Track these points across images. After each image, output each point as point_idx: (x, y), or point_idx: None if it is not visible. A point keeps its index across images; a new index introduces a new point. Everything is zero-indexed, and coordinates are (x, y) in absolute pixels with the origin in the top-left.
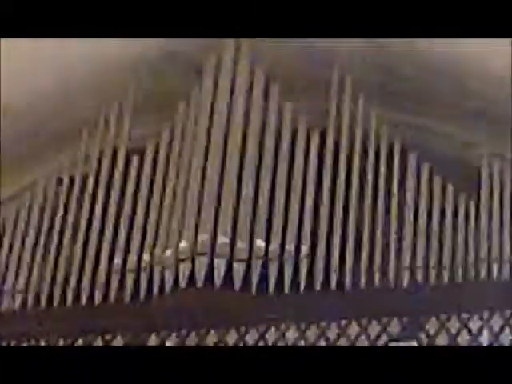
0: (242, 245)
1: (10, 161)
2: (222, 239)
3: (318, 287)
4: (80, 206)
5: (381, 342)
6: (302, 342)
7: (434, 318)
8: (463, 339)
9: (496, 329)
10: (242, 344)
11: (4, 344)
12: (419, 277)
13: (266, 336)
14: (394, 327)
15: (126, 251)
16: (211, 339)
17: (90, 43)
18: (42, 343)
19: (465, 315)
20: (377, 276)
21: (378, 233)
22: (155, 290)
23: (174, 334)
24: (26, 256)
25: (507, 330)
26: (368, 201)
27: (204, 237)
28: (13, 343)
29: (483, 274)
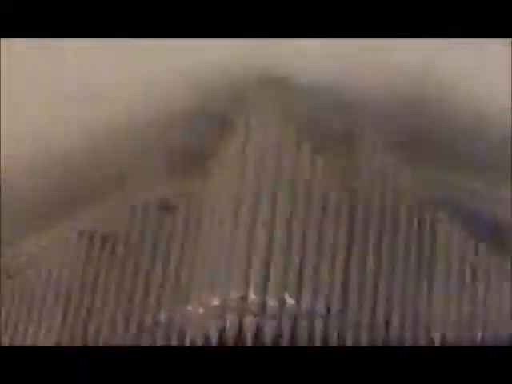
0: (272, 303)
1: (42, 213)
2: (253, 297)
3: (348, 344)
4: (111, 263)
5: None
6: None
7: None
8: None
9: None
10: None
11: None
12: (451, 336)
13: None
14: None
15: (158, 308)
16: None
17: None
18: None
19: None
20: (408, 335)
21: (409, 292)
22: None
23: None
24: (59, 313)
25: None
26: (400, 259)
27: (234, 294)
28: None
29: None
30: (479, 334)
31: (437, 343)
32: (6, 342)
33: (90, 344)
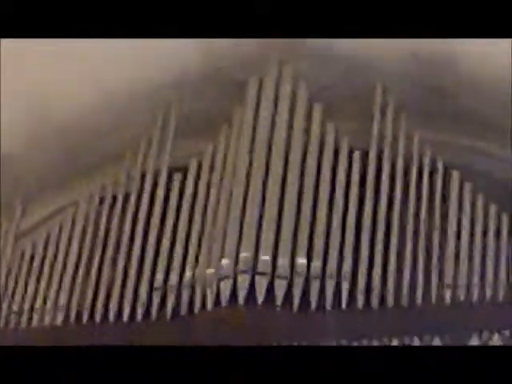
0: (283, 262)
1: (51, 180)
2: (264, 257)
3: (359, 305)
4: (121, 225)
5: None
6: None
7: (476, 337)
8: None
9: None
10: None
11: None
12: (461, 295)
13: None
14: (437, 344)
15: (168, 269)
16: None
17: (131, 65)
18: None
19: (507, 332)
20: (419, 294)
21: (420, 252)
22: (197, 308)
23: None
24: (68, 273)
25: None
26: (410, 221)
27: (246, 254)
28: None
29: None
30: (489, 293)
31: (447, 301)
32: (15, 305)
33: (100, 308)
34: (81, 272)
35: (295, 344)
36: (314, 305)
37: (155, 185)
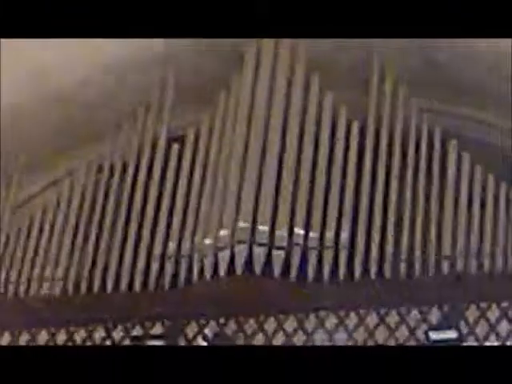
0: (281, 232)
1: (52, 147)
2: (262, 227)
3: (357, 275)
4: (120, 194)
5: (420, 331)
6: (341, 330)
7: (474, 307)
8: (503, 328)
9: None
10: (280, 332)
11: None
12: (459, 265)
13: (305, 323)
14: (434, 316)
15: (166, 239)
16: (250, 326)
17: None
18: (82, 329)
19: (505, 303)
20: (417, 264)
21: (418, 222)
22: (195, 277)
23: (212, 322)
24: (66, 243)
25: None
26: (408, 191)
27: (243, 225)
28: (52, 329)
29: None
30: (487, 263)
31: (445, 272)
32: (13, 274)
33: (98, 279)
34: (79, 242)
35: (291, 315)
36: (311, 275)
37: (153, 154)
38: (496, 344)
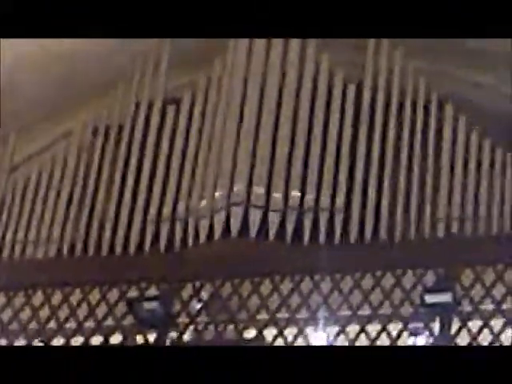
0: (277, 195)
1: (45, 110)
2: (257, 189)
3: (352, 238)
4: (115, 156)
5: (416, 293)
6: (336, 293)
7: (468, 270)
8: (498, 291)
9: None
10: (276, 294)
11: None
12: (454, 228)
13: (301, 286)
14: (429, 278)
15: (161, 201)
16: (245, 288)
17: None
18: (77, 292)
19: (500, 266)
20: (412, 227)
21: (414, 184)
22: (190, 239)
23: (208, 285)
24: (61, 206)
25: None
26: (404, 153)
27: (239, 187)
28: (48, 291)
29: None
30: (482, 227)
31: (440, 234)
32: (8, 237)
33: (93, 241)
34: (74, 204)
35: (286, 277)
36: (307, 238)
37: (148, 116)
38: (491, 307)
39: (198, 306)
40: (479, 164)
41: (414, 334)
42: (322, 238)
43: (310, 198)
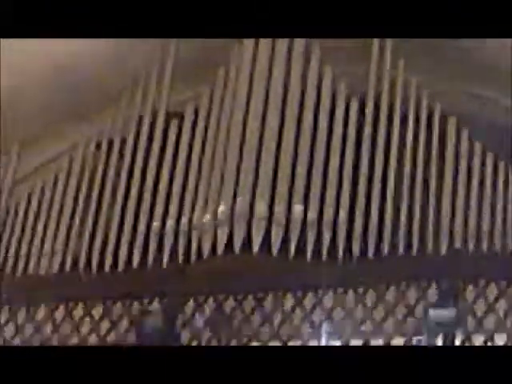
0: (279, 210)
1: (49, 124)
2: (260, 204)
3: (355, 253)
4: (118, 170)
5: (419, 308)
6: (340, 308)
7: (471, 285)
8: (501, 307)
9: None
10: (280, 309)
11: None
12: (458, 243)
13: (304, 301)
14: (433, 293)
15: (164, 216)
16: (249, 304)
17: None
18: (80, 306)
19: (503, 282)
20: (415, 242)
21: (417, 198)
22: (193, 254)
23: (211, 299)
24: (65, 220)
25: None
26: (407, 167)
27: (241, 202)
28: (52, 306)
29: None
30: (485, 243)
31: (443, 252)
32: (11, 251)
33: (96, 256)
34: (77, 218)
35: (289, 292)
36: (309, 252)
37: (152, 130)
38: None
39: (201, 320)
40: (482, 178)
41: None
42: (324, 252)
43: (313, 212)
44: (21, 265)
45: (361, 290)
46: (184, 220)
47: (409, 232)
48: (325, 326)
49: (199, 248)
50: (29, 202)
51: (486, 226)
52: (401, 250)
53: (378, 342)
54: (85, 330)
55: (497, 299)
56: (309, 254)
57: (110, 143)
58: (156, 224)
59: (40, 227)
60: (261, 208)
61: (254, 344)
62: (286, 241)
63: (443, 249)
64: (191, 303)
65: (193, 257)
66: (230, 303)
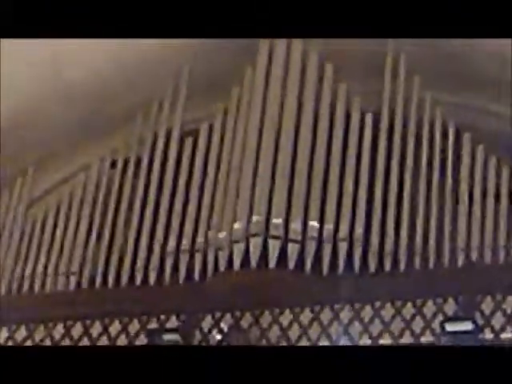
0: (295, 225)
1: (65, 143)
2: (276, 220)
3: (372, 268)
4: (134, 188)
5: (436, 322)
6: (357, 323)
7: (489, 298)
8: None
9: None
10: (296, 324)
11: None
12: (474, 257)
13: (320, 316)
14: (450, 307)
15: (180, 233)
16: (265, 319)
17: None
18: (97, 324)
19: None
20: (431, 256)
21: (433, 214)
22: (209, 271)
23: (228, 315)
24: (81, 238)
25: None
26: (423, 182)
27: (258, 218)
28: (68, 323)
29: None
30: (502, 255)
31: (460, 264)
32: (28, 272)
33: (113, 273)
34: (93, 237)
35: (306, 307)
36: (326, 268)
37: (166, 149)
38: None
39: (219, 337)
40: (498, 192)
41: None
42: (341, 267)
43: (328, 228)
44: (38, 283)
45: (378, 305)
46: (200, 237)
47: (424, 247)
48: (342, 341)
49: (215, 264)
50: (44, 220)
51: (502, 239)
52: (417, 264)
53: None
54: None
55: None
56: (325, 269)
57: (126, 161)
58: (172, 241)
59: (57, 245)
60: (276, 224)
61: None
62: (301, 256)
63: (459, 262)
64: (208, 319)
65: (209, 273)
66: (247, 319)
